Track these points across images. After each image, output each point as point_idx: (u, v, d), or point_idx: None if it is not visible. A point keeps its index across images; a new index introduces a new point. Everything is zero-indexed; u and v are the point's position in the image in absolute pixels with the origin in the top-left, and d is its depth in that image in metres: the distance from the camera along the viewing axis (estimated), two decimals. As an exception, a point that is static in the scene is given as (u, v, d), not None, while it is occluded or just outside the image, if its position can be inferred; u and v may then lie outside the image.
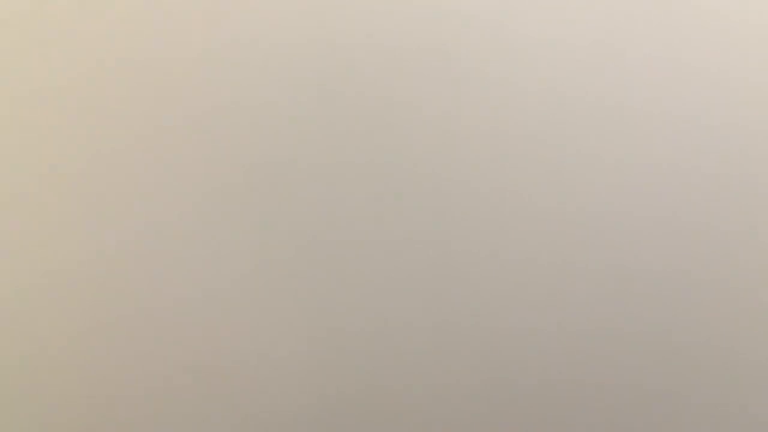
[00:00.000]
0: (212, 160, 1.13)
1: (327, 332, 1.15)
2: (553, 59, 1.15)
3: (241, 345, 1.14)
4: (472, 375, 1.16)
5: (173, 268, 1.13)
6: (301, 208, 1.14)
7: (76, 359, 1.12)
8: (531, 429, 1.17)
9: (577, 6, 1.15)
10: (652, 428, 1.17)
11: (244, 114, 1.13)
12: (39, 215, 1.11)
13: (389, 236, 1.15)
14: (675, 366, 1.17)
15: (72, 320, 1.12)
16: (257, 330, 1.14)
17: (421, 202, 1.15)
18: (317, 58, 1.13)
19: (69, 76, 1.11)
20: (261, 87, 1.13)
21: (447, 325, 1.15)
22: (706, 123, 1.15)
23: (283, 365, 1.14)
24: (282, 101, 1.13)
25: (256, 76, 1.13)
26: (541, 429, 1.17)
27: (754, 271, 1.17)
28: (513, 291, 1.16)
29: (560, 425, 1.17)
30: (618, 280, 1.16)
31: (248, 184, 1.13)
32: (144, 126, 1.12)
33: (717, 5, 1.15)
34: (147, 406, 1.13)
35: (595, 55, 1.15)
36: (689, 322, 1.17)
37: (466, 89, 1.14)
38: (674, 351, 1.17)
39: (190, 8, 1.12)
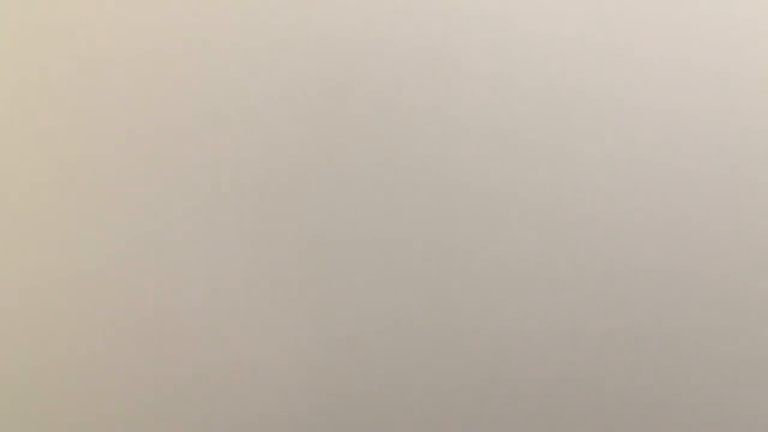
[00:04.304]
0: (213, 161, 1.13)
1: (329, 332, 1.15)
2: (555, 59, 1.15)
3: (242, 345, 1.14)
4: (474, 375, 1.16)
5: (174, 268, 1.13)
6: (303, 208, 1.14)
7: (77, 360, 1.12)
8: (531, 429, 1.17)
9: (578, 5, 1.15)
10: (652, 428, 1.17)
11: (245, 115, 1.13)
12: (39, 217, 1.11)
13: (391, 236, 1.15)
14: (676, 366, 1.17)
15: (73, 321, 1.12)
16: (259, 330, 1.14)
17: (423, 203, 1.14)
18: (318, 58, 1.13)
19: (69, 76, 1.11)
20: (262, 87, 1.13)
21: (449, 325, 1.15)
22: (707, 123, 1.15)
23: (285, 365, 1.14)
24: (283, 101, 1.13)
25: (257, 77, 1.13)
26: (541, 429, 1.17)
27: (754, 271, 1.16)
28: (515, 291, 1.16)
29: (561, 425, 1.17)
30: (618, 279, 1.16)
31: (250, 184, 1.13)
32: (145, 126, 1.12)
33: (717, 5, 1.15)
34: (149, 406, 1.13)
35: (596, 54, 1.15)
36: (689, 322, 1.17)
37: (467, 89, 1.14)
38: (675, 351, 1.17)
39: (192, 7, 1.12)
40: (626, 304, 1.16)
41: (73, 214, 1.12)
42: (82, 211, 1.12)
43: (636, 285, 1.16)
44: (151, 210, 1.12)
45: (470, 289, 1.15)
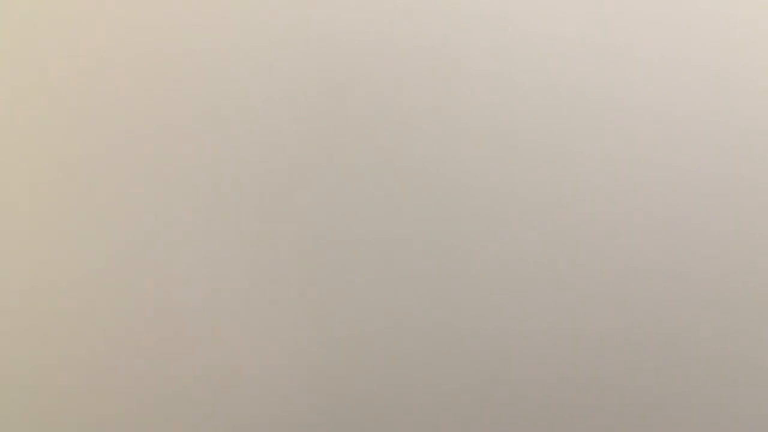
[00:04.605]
0: (213, 161, 1.13)
1: (329, 332, 1.15)
2: (555, 59, 1.15)
3: (242, 345, 1.14)
4: (474, 375, 1.16)
5: (174, 268, 1.13)
6: (303, 208, 1.14)
7: (77, 360, 1.12)
8: (531, 429, 1.17)
9: (578, 5, 1.15)
10: (652, 428, 1.17)
11: (245, 115, 1.13)
12: (39, 217, 1.11)
13: (391, 236, 1.15)
14: (676, 366, 1.17)
15: (73, 321, 1.12)
16: (259, 330, 1.14)
17: (423, 203, 1.14)
18: (318, 58, 1.13)
19: (69, 76, 1.11)
20: (262, 87, 1.13)
21: (449, 325, 1.15)
22: (707, 123, 1.15)
23: (285, 365, 1.14)
24: (283, 101, 1.13)
25: (257, 77, 1.13)
26: (542, 429, 1.17)
27: (754, 271, 1.17)
28: (515, 291, 1.16)
29: (561, 425, 1.17)
30: (619, 279, 1.16)
31: (250, 184, 1.13)
32: (145, 126, 1.12)
33: (717, 5, 1.15)
34: (148, 406, 1.13)
35: (596, 54, 1.15)
36: (689, 322, 1.17)
37: (467, 89, 1.14)
38: (675, 351, 1.17)
39: (192, 7, 1.12)
40: (626, 304, 1.16)
41: (72, 214, 1.12)
42: (82, 211, 1.12)
43: (636, 285, 1.16)
44: (151, 210, 1.12)
45: (470, 289, 1.15)
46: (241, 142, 1.13)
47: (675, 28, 1.15)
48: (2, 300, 1.11)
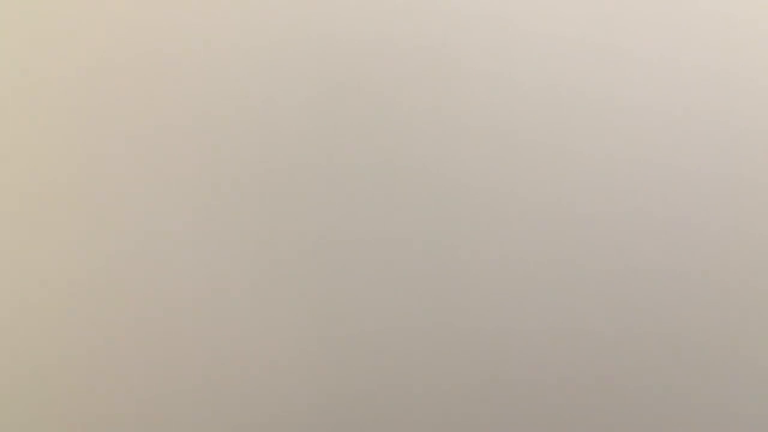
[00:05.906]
0: (213, 161, 1.13)
1: (329, 332, 1.15)
2: (555, 59, 1.15)
3: (243, 345, 1.14)
4: (474, 375, 1.16)
5: (175, 268, 1.13)
6: (303, 208, 1.14)
7: (77, 360, 1.12)
8: (531, 429, 1.17)
9: (578, 5, 1.15)
10: (652, 428, 1.17)
11: (245, 115, 1.13)
12: (39, 218, 1.11)
13: (391, 236, 1.15)
14: (676, 366, 1.17)
15: (73, 322, 1.12)
16: (259, 330, 1.14)
17: (423, 203, 1.15)
18: (318, 58, 1.13)
19: (69, 77, 1.11)
20: (262, 87, 1.13)
21: (449, 325, 1.15)
22: (707, 123, 1.15)
23: (285, 365, 1.14)
24: (283, 101, 1.13)
25: (257, 77, 1.13)
26: (542, 429, 1.17)
27: (754, 271, 1.16)
28: (515, 291, 1.16)
29: (561, 426, 1.17)
30: (619, 279, 1.16)
31: (250, 184, 1.13)
32: (145, 127, 1.12)
33: (717, 5, 1.15)
34: (148, 406, 1.13)
35: (596, 54, 1.15)
36: (689, 322, 1.17)
37: (467, 89, 1.14)
38: (675, 351, 1.17)
39: (192, 7, 1.12)
40: (626, 304, 1.16)
41: (73, 215, 1.12)
42: (82, 211, 1.12)
43: (636, 285, 1.16)
44: (151, 210, 1.12)
45: (470, 289, 1.15)
46: (241, 142, 1.13)
47: (675, 28, 1.15)
48: (2, 300, 1.11)
